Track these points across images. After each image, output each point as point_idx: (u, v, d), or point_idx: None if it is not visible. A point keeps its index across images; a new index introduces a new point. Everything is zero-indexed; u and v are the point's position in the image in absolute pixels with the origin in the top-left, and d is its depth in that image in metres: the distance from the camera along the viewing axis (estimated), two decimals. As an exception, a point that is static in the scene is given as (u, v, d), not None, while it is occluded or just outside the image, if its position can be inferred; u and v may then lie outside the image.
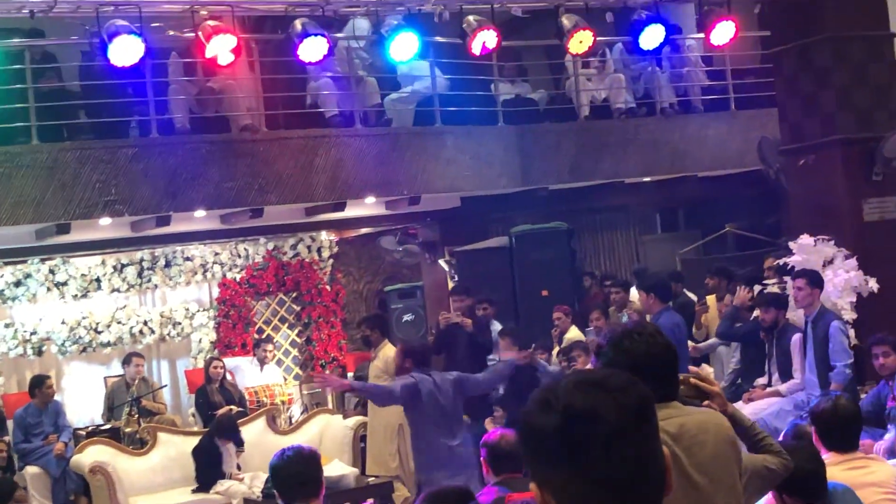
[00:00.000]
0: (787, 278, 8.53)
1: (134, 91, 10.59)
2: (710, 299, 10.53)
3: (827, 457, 4.43)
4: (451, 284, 12.80)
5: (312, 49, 9.51)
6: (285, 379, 12.93)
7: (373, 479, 9.22)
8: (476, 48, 10.07)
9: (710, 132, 13.26)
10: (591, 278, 13.63)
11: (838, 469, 4.43)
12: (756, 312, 8.65)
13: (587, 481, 1.52)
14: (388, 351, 9.67)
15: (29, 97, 9.85)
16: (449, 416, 7.58)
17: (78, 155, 10.01)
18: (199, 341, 13.10)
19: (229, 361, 11.95)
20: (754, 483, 3.52)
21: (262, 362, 12.22)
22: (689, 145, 13.17)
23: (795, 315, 8.36)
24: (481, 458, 5.06)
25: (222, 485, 9.45)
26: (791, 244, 8.87)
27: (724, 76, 13.64)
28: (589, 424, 1.52)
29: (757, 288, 9.03)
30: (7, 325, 12.13)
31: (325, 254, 14.00)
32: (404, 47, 9.89)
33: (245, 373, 12.14)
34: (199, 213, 10.97)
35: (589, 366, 9.47)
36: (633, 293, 11.08)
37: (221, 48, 9.19)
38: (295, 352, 13.79)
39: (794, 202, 9.96)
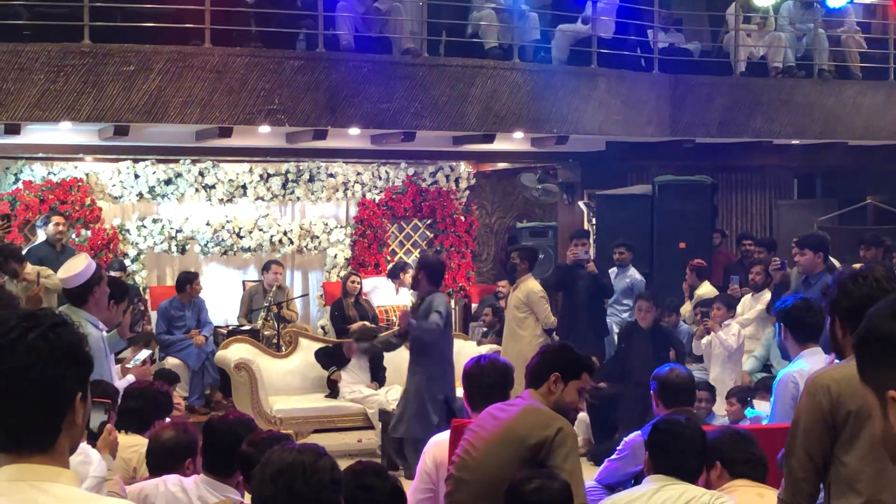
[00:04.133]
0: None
1: (304, 4, 10.78)
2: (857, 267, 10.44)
3: None
4: (587, 226, 12.88)
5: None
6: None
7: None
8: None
9: (866, 100, 13.06)
10: (721, 236, 13.56)
11: None
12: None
13: None
14: (531, 284, 9.83)
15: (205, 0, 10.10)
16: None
17: (247, 61, 10.25)
18: (335, 256, 13.39)
19: (368, 282, 12.22)
20: None
21: (400, 287, 12.44)
22: (844, 112, 12.99)
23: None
24: (651, 392, 5.14)
25: (361, 392, 9.73)
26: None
27: (885, 45, 13.39)
28: None
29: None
30: (154, 221, 12.54)
31: (463, 185, 14.15)
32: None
33: (380, 292, 12.38)
34: (354, 130, 11.18)
35: (728, 320, 9.54)
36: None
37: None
38: (424, 277, 14.00)
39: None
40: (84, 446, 4.40)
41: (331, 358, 10.04)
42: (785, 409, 4.83)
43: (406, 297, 12.46)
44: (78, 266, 5.65)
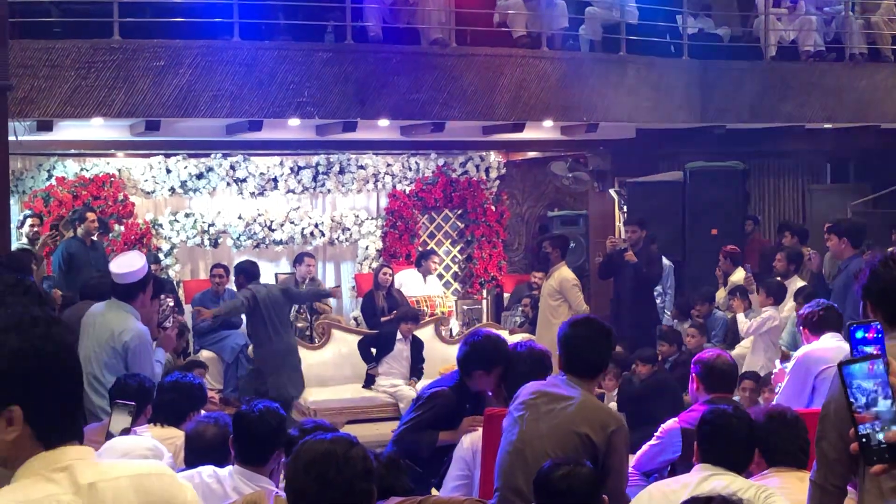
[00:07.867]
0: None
1: (331, -4, 10.81)
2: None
3: None
4: (618, 215, 12.84)
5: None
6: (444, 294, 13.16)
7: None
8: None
9: (899, 83, 12.96)
10: (753, 222, 13.46)
11: None
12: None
13: None
14: (564, 272, 9.83)
15: (234, -6, 10.14)
16: (279, 316, 9.63)
17: (276, 55, 10.29)
18: (366, 248, 13.42)
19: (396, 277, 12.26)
20: None
21: (427, 274, 12.45)
22: (876, 95, 12.89)
23: None
24: (693, 374, 5.10)
25: (394, 385, 9.75)
26: None
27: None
28: None
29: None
30: (187, 215, 12.61)
31: (493, 174, 14.13)
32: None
33: (408, 285, 12.38)
34: (383, 122, 11.19)
35: (767, 308, 9.47)
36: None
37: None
38: (455, 268, 14.03)
39: None
40: (154, 441, 4.45)
41: (372, 346, 10.15)
42: (795, 388, 4.87)
43: (434, 284, 12.51)
44: (135, 264, 5.66)
